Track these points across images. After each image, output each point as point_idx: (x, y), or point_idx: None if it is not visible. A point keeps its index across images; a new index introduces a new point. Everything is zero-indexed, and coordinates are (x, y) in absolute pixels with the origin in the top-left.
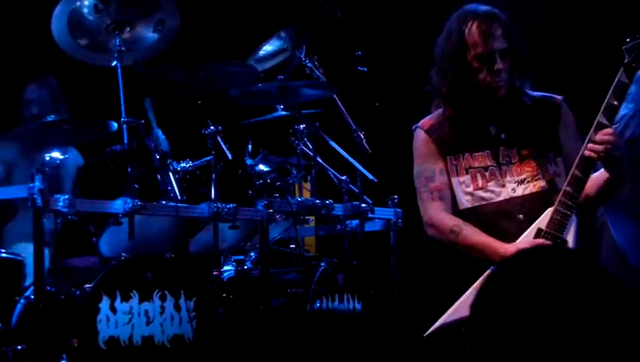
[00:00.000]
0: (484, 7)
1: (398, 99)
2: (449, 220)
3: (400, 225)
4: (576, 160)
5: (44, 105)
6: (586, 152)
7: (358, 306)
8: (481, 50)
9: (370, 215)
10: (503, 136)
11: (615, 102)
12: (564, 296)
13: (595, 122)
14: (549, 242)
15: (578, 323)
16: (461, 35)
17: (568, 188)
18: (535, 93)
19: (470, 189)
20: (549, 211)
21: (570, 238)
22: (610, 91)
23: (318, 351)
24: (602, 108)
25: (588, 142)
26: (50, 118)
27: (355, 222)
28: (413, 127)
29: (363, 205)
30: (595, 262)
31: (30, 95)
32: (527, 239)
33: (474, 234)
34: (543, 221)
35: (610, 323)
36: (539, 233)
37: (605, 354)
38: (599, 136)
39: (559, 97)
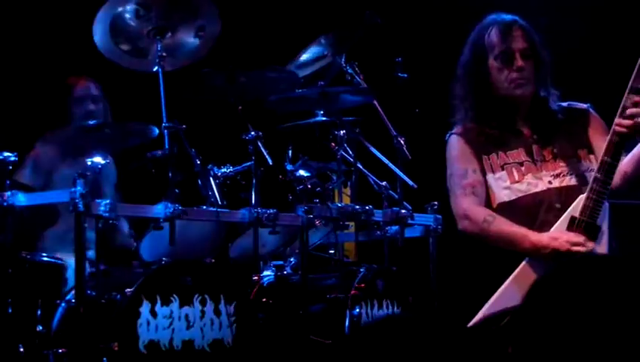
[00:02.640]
0: (505, 15)
1: (437, 105)
2: (482, 211)
3: (439, 231)
4: (604, 146)
5: (97, 100)
6: (617, 128)
7: (397, 312)
8: (499, 49)
9: (409, 221)
10: (535, 136)
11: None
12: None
13: (621, 106)
14: (581, 239)
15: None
16: (481, 41)
17: (598, 175)
18: (561, 103)
19: (507, 183)
20: (581, 198)
21: (604, 225)
22: (634, 74)
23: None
24: (627, 91)
25: (615, 128)
26: (94, 121)
27: (395, 228)
28: (447, 136)
29: (403, 211)
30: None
31: (83, 91)
32: (561, 227)
33: (506, 224)
34: (575, 209)
35: None
36: (572, 221)
37: None
38: (630, 111)
39: (585, 105)
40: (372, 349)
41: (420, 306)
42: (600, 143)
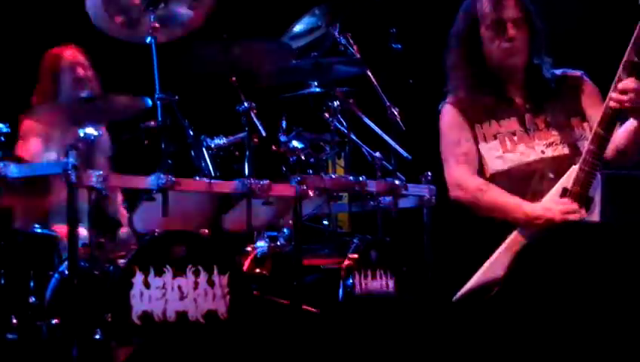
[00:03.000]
0: None
1: (431, 76)
2: (476, 180)
3: (433, 202)
4: (598, 117)
5: (87, 67)
6: (611, 103)
7: (390, 283)
8: (491, 18)
9: (403, 192)
10: (527, 105)
11: (636, 59)
12: (600, 273)
13: (616, 78)
14: (574, 206)
15: (609, 301)
16: (473, 11)
17: (592, 146)
18: (555, 71)
19: (500, 153)
20: (573, 169)
21: (596, 196)
22: (630, 47)
23: (350, 327)
24: (622, 64)
25: (609, 100)
26: (86, 94)
27: (389, 198)
28: (440, 106)
29: (396, 182)
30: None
31: (72, 59)
32: (553, 198)
33: (499, 193)
34: (568, 180)
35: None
36: (564, 192)
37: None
38: (622, 86)
39: (579, 71)
40: (364, 320)
41: (414, 277)
42: (593, 110)
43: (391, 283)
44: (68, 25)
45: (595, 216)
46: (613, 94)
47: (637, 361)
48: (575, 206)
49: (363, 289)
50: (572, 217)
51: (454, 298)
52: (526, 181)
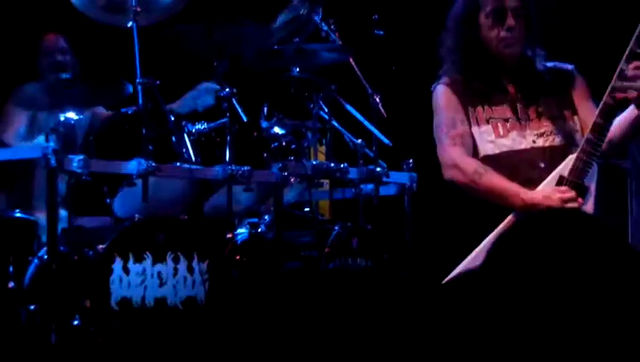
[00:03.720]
0: None
1: (414, 63)
2: (473, 162)
3: (414, 189)
4: (599, 107)
5: (66, 52)
6: (617, 94)
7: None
8: (492, 6)
9: (384, 179)
10: (519, 94)
11: (638, 50)
12: (578, 261)
13: (618, 70)
14: (572, 194)
15: (586, 288)
16: None
17: (590, 136)
18: (547, 63)
19: (492, 137)
20: (571, 158)
21: (592, 186)
22: (634, 39)
23: (332, 312)
24: (625, 56)
25: (610, 91)
26: (67, 75)
27: (370, 186)
28: (432, 87)
29: (378, 169)
30: (617, 233)
31: (51, 43)
32: (549, 186)
33: (497, 178)
34: (564, 168)
35: (622, 293)
36: (561, 180)
37: (611, 323)
38: (633, 71)
39: (570, 65)
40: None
41: (395, 264)
42: (584, 105)
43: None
44: (50, 9)
45: (590, 206)
46: (619, 83)
47: (613, 348)
48: (574, 194)
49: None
50: (570, 205)
51: (444, 281)
52: (516, 168)
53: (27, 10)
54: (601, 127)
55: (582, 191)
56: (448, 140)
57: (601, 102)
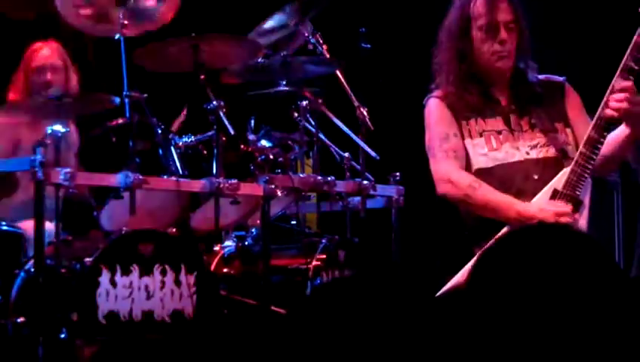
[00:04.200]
0: None
1: (401, 76)
2: (467, 176)
3: (401, 202)
4: (593, 121)
5: (57, 69)
6: (607, 111)
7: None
8: (485, 20)
9: (371, 192)
10: (512, 106)
11: (633, 65)
12: (562, 278)
13: (611, 86)
14: (568, 209)
15: (570, 304)
16: (466, 9)
17: (584, 149)
18: (539, 76)
19: (485, 151)
20: (565, 172)
21: (585, 200)
22: (627, 54)
23: (318, 326)
24: (619, 71)
25: (604, 105)
26: (54, 95)
27: (357, 199)
28: (425, 100)
29: (365, 182)
30: (603, 250)
31: (42, 61)
32: (543, 199)
33: (491, 192)
34: (559, 182)
35: (606, 309)
36: (555, 193)
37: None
38: (621, 85)
39: (561, 78)
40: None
41: (381, 277)
42: (575, 117)
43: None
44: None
45: (584, 219)
46: (611, 100)
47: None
48: (569, 208)
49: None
50: (564, 220)
51: (438, 294)
52: (510, 180)
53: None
54: (595, 140)
55: (576, 205)
56: (441, 154)
57: (595, 116)
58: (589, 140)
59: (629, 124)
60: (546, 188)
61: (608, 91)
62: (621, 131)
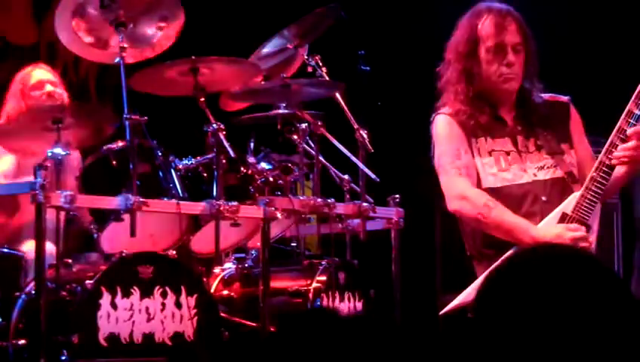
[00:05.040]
0: (499, 4)
1: (400, 98)
2: (483, 195)
3: (401, 224)
4: (605, 146)
5: (56, 84)
6: (614, 162)
7: (358, 305)
8: (493, 42)
9: (371, 214)
10: (518, 127)
11: (637, 112)
12: (570, 299)
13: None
14: (583, 233)
15: (577, 326)
16: (474, 29)
17: (595, 175)
18: (544, 95)
19: (494, 170)
20: (574, 196)
21: (594, 224)
22: (633, 99)
23: (320, 348)
24: (624, 114)
25: (617, 132)
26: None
27: (357, 221)
28: (433, 116)
29: (365, 204)
30: (611, 272)
31: (41, 75)
32: (551, 223)
33: (507, 213)
34: (568, 206)
35: (613, 332)
36: (563, 217)
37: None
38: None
39: (566, 97)
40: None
41: (382, 300)
42: (578, 140)
43: (359, 306)
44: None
45: (592, 244)
46: (617, 153)
47: None
48: (584, 233)
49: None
50: (582, 245)
51: (440, 312)
52: (518, 201)
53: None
54: (606, 165)
55: (585, 229)
56: (454, 170)
57: (608, 142)
58: (600, 165)
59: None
60: (554, 212)
61: (614, 133)
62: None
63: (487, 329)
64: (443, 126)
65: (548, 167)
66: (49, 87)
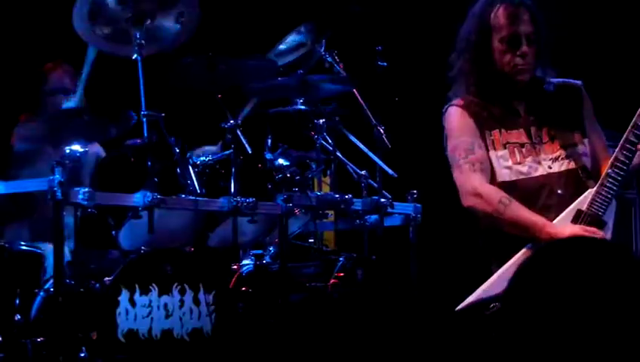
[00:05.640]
0: None
1: (417, 93)
2: (497, 191)
3: (419, 220)
4: (620, 142)
5: (72, 80)
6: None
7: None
8: (506, 32)
9: (389, 210)
10: (531, 117)
11: (633, 139)
12: (599, 290)
13: (633, 122)
14: (596, 233)
15: (608, 317)
16: (487, 19)
17: (611, 171)
18: (555, 80)
19: (509, 163)
20: (590, 192)
21: (610, 221)
22: (629, 128)
23: (337, 342)
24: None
25: (626, 142)
26: (70, 104)
27: (375, 217)
28: (445, 107)
29: (382, 200)
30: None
31: (57, 83)
32: (566, 219)
33: (522, 209)
34: (583, 202)
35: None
36: (579, 214)
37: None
38: None
39: (578, 82)
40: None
41: (399, 295)
42: (590, 127)
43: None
44: (55, 39)
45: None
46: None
47: None
48: (602, 233)
49: None
50: None
51: (457, 308)
52: (535, 195)
53: (30, 39)
54: (622, 162)
55: (600, 226)
56: (468, 165)
57: (623, 138)
58: (615, 161)
59: None
60: (569, 208)
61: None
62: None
63: (516, 323)
64: (456, 118)
65: (562, 158)
66: (60, 99)
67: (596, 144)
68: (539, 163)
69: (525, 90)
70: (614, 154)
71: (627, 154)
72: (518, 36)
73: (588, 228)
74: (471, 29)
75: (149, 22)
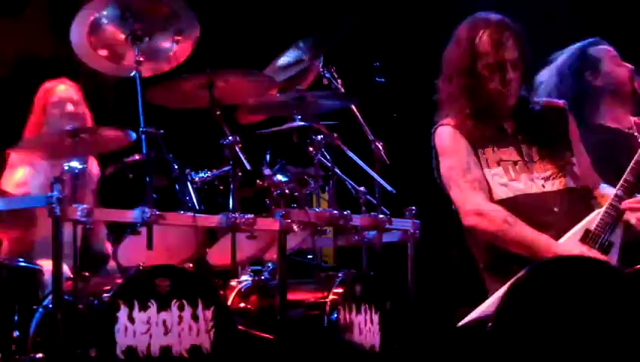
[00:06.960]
0: (495, 16)
1: (415, 109)
2: (501, 210)
3: (417, 236)
4: (630, 165)
5: (78, 103)
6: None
7: (375, 318)
8: (492, 60)
9: (387, 226)
10: (519, 136)
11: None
12: (591, 310)
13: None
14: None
15: (600, 340)
16: (471, 44)
17: (619, 192)
18: (539, 99)
19: (504, 180)
20: (598, 212)
21: (617, 242)
22: (630, 168)
23: (335, 359)
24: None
25: (636, 164)
26: (72, 127)
27: (373, 233)
28: (435, 127)
29: (381, 216)
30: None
31: (64, 93)
32: (574, 238)
33: (527, 229)
34: (591, 221)
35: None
36: (587, 234)
37: None
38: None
39: (561, 101)
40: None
41: (398, 311)
42: (577, 148)
43: (375, 318)
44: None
45: (614, 261)
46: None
47: None
48: (606, 259)
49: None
50: None
51: (459, 324)
52: (531, 212)
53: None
54: (632, 184)
55: (608, 246)
56: (467, 185)
57: (633, 161)
58: (625, 183)
59: None
60: (577, 228)
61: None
62: None
63: (508, 340)
64: (448, 137)
65: (554, 178)
66: (70, 107)
67: (582, 162)
68: (532, 180)
69: (513, 111)
70: (624, 176)
71: (636, 175)
72: (503, 63)
73: (593, 251)
74: (457, 54)
75: (147, 40)
